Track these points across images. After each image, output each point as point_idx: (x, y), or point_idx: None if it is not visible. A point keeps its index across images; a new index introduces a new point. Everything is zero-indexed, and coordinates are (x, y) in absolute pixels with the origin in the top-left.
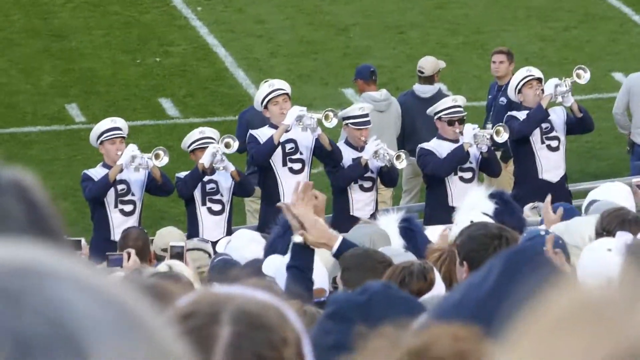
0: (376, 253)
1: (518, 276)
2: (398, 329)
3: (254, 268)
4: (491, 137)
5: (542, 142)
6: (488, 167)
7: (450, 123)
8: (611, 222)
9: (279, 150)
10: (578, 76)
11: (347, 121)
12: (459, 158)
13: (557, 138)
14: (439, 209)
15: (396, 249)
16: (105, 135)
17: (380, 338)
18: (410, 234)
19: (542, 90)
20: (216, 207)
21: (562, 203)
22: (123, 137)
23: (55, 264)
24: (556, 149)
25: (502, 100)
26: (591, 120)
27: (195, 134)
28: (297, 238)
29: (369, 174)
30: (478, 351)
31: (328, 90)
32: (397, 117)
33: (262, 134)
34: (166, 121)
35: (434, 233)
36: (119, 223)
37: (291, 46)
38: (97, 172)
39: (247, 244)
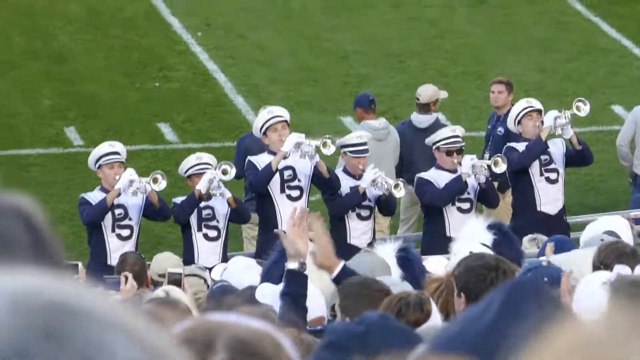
0: (375, 282)
1: (518, 310)
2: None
3: (250, 295)
4: (489, 168)
5: (541, 174)
6: (486, 197)
7: (449, 153)
8: (608, 256)
9: (277, 177)
10: (578, 108)
11: (345, 149)
12: (457, 188)
13: (556, 170)
14: (437, 239)
15: (393, 279)
16: (103, 159)
17: None
18: (408, 263)
19: (542, 122)
20: (212, 233)
21: (559, 236)
22: (121, 162)
23: (92, 302)
24: (555, 181)
25: (500, 130)
26: (590, 152)
27: (192, 159)
28: (291, 265)
29: (366, 203)
30: None
31: (327, 118)
32: (395, 145)
33: (261, 160)
34: (165, 146)
35: (432, 264)
36: (116, 247)
37: (291, 73)
38: (94, 196)
39: (243, 271)
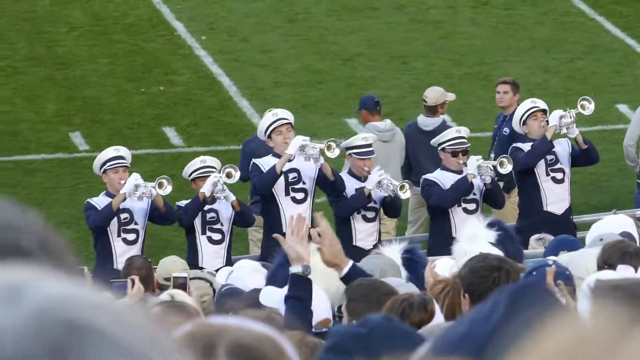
0: (382, 284)
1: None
2: None
3: (256, 298)
4: (495, 169)
5: (547, 174)
6: (492, 198)
7: (454, 154)
8: (612, 256)
9: (282, 179)
10: (582, 107)
11: (350, 151)
12: (463, 189)
13: (562, 170)
14: (443, 240)
15: (398, 280)
16: (108, 164)
17: None
18: (413, 265)
19: (547, 121)
20: (216, 236)
21: (565, 235)
22: (126, 167)
23: (109, 323)
24: (561, 181)
25: (505, 130)
26: (596, 152)
27: (196, 162)
28: (294, 269)
29: (372, 204)
30: None
31: (332, 120)
32: (401, 147)
33: (265, 163)
34: (170, 150)
35: (442, 266)
36: (121, 252)
37: (296, 76)
38: (100, 201)
39: (250, 275)
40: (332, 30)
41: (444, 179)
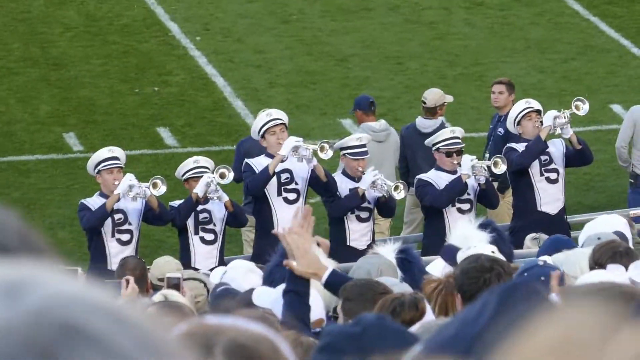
0: (378, 284)
1: (513, 313)
2: None
3: (249, 299)
4: (489, 169)
5: (541, 175)
6: (486, 198)
7: (448, 154)
8: (603, 256)
9: (274, 180)
10: (577, 108)
11: (344, 151)
12: (457, 189)
13: (556, 170)
14: (437, 240)
15: (392, 280)
16: (102, 164)
17: None
18: (408, 265)
19: (541, 122)
20: (209, 237)
21: (560, 235)
22: (121, 167)
23: (95, 322)
24: (555, 181)
25: (500, 130)
26: (590, 152)
27: (189, 162)
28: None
29: (365, 205)
30: None
31: (326, 121)
32: (395, 147)
33: (258, 163)
34: (164, 150)
35: (435, 267)
36: (116, 252)
37: (290, 76)
38: (94, 202)
39: (244, 275)
40: (325, 31)
41: (438, 179)
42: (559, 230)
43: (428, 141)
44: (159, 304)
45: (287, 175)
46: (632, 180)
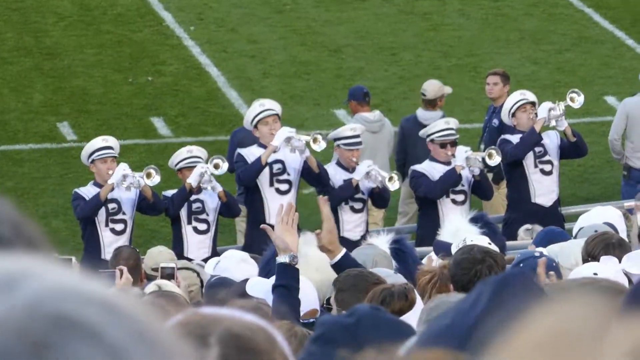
0: (371, 274)
1: (507, 303)
2: (382, 352)
3: (244, 289)
4: (483, 160)
5: (536, 166)
6: (480, 189)
7: (443, 146)
8: (595, 247)
9: (266, 170)
10: (572, 100)
11: (338, 142)
12: (451, 181)
13: (550, 162)
14: (431, 231)
15: (386, 271)
16: (96, 154)
17: None
18: (401, 255)
19: (536, 114)
20: (202, 227)
21: (553, 227)
22: (114, 157)
23: (89, 314)
24: (549, 173)
25: (495, 122)
26: (585, 144)
27: (183, 152)
28: (281, 258)
29: (359, 195)
30: None
31: (319, 111)
32: (389, 138)
33: (250, 153)
34: (158, 140)
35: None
36: (109, 242)
37: (284, 66)
38: (88, 191)
39: (237, 265)
40: (319, 21)
41: (432, 170)
42: (553, 222)
43: (422, 132)
44: (153, 293)
45: (279, 166)
46: (625, 173)
